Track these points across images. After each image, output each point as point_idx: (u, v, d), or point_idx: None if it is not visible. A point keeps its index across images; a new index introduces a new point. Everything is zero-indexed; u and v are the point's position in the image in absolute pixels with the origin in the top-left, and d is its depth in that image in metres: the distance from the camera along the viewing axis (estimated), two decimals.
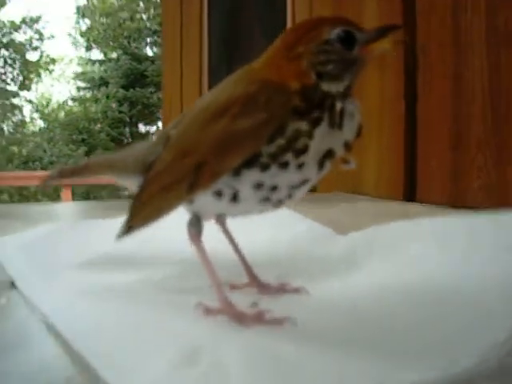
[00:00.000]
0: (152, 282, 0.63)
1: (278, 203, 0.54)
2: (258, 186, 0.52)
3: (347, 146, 0.53)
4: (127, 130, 13.95)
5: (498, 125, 1.32)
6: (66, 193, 6.39)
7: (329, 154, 0.52)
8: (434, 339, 0.45)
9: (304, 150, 0.50)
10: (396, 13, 1.63)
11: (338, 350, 0.44)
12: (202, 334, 0.48)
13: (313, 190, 0.57)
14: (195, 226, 0.56)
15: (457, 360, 0.40)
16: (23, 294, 0.62)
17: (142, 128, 14.34)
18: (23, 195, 12.39)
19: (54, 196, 9.78)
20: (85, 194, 11.79)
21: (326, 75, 0.52)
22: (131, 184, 0.60)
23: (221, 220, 0.62)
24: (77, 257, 0.73)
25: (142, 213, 0.55)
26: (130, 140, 13.72)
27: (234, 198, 0.53)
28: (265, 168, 0.50)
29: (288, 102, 0.50)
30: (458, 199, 1.42)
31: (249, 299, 0.57)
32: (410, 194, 1.60)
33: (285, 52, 0.52)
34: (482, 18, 1.37)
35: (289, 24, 2.33)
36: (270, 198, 0.53)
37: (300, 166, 0.51)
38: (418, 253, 0.64)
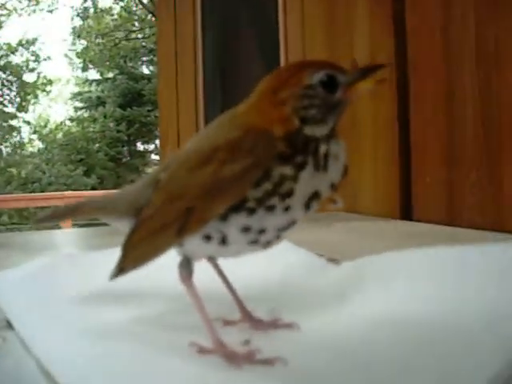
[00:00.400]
0: (148, 319, 0.63)
1: (267, 244, 0.55)
2: (246, 229, 0.52)
3: (333, 187, 0.53)
4: (125, 148, 14.00)
5: (491, 142, 1.33)
6: None
7: (315, 196, 0.52)
8: (423, 377, 0.45)
9: (290, 194, 0.51)
10: (387, 32, 1.65)
11: None
12: (194, 375, 0.48)
13: None
14: (186, 267, 0.57)
15: None
16: (19, 334, 0.62)
17: (140, 146, 14.39)
18: (23, 216, 12.40)
19: None
20: None
21: (310, 120, 0.52)
22: (122, 226, 0.61)
23: (212, 258, 0.62)
24: (71, 293, 0.73)
25: (132, 255, 0.56)
26: (129, 159, 13.75)
27: (223, 241, 0.53)
28: (251, 212, 0.51)
29: (273, 148, 0.50)
30: (454, 216, 1.42)
31: (241, 335, 0.58)
32: (406, 213, 1.60)
33: (268, 97, 0.53)
34: (471, 35, 1.38)
35: (281, 48, 2.34)
36: (259, 240, 0.54)
37: (287, 209, 0.51)
38: (409, 287, 0.65)
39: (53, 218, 0.69)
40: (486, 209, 1.33)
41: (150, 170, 13.99)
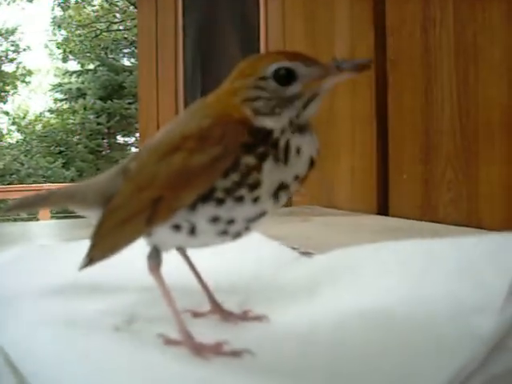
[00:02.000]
0: (116, 310, 0.63)
1: (237, 235, 0.55)
2: (215, 219, 0.52)
3: (298, 180, 0.52)
4: (105, 141, 13.89)
5: (467, 139, 1.34)
6: None
7: (282, 187, 0.52)
8: (388, 368, 0.45)
9: (257, 185, 0.50)
10: (367, 28, 1.65)
11: (295, 381, 0.44)
12: (161, 367, 0.48)
13: (287, 203, 0.57)
14: (154, 258, 0.56)
15: None
16: None
17: (120, 139, 14.29)
18: (0, 208, 12.28)
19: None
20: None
21: (259, 111, 0.51)
22: (92, 216, 0.60)
23: (181, 249, 0.62)
24: (40, 284, 0.72)
25: (101, 245, 0.55)
26: (109, 151, 13.66)
27: (192, 231, 0.53)
28: (220, 202, 0.51)
29: (240, 137, 0.50)
30: (430, 212, 1.43)
31: (210, 327, 0.57)
32: (383, 208, 1.61)
33: (228, 86, 0.53)
34: (450, 34, 1.39)
35: (262, 34, 2.34)
36: (228, 231, 0.53)
37: (255, 200, 0.51)
38: (378, 279, 0.65)
39: (22, 208, 0.68)
40: (462, 205, 1.34)
41: None
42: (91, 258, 0.55)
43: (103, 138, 13.82)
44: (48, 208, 0.63)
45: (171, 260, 0.58)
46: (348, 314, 0.57)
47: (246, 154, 0.50)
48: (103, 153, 13.74)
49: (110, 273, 0.65)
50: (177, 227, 0.53)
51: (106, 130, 13.55)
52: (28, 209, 0.68)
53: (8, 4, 15.23)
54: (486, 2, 1.29)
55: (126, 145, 14.39)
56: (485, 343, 0.45)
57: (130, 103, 13.12)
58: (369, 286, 0.64)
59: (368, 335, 0.52)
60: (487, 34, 1.29)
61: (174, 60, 3.17)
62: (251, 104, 0.51)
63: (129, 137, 14.26)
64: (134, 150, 13.79)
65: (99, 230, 0.56)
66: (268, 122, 0.51)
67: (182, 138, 0.52)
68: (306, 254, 0.87)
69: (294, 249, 0.88)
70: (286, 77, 0.51)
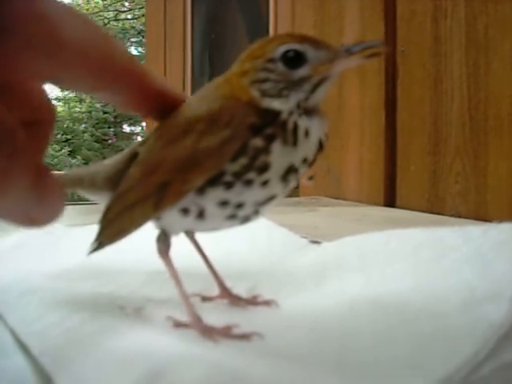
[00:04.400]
0: (123, 293, 0.63)
1: (245, 220, 0.54)
2: (223, 203, 0.51)
3: (307, 162, 0.52)
4: (111, 130, 13.89)
5: (476, 131, 1.33)
6: None
7: (291, 170, 0.52)
8: (398, 355, 0.45)
9: (265, 168, 0.50)
10: (377, 18, 1.64)
11: (303, 366, 0.44)
12: (170, 349, 0.48)
13: (294, 194, 0.57)
14: (163, 241, 0.56)
15: (422, 378, 0.40)
16: None
17: (126, 128, 14.29)
18: None
19: None
20: (70, 194, 11.72)
21: (266, 93, 0.51)
22: (101, 200, 0.60)
23: (190, 233, 0.62)
24: (47, 268, 0.73)
25: (110, 230, 0.55)
26: (115, 140, 13.67)
27: (200, 215, 0.53)
28: (229, 186, 0.50)
29: (248, 118, 0.50)
30: (437, 204, 1.43)
31: (219, 311, 0.58)
32: (390, 200, 1.61)
33: (238, 67, 0.53)
34: (461, 25, 1.38)
35: (271, 24, 2.33)
36: (237, 215, 0.53)
37: (264, 183, 0.51)
38: (387, 267, 0.65)
39: None
40: (470, 197, 1.34)
41: None
42: (100, 242, 0.55)
43: (109, 127, 13.82)
44: None
45: (180, 244, 0.59)
46: (357, 301, 0.57)
47: (254, 135, 0.49)
48: (109, 142, 13.75)
49: (117, 256, 0.65)
50: (185, 211, 0.53)
51: (112, 119, 13.54)
52: None
53: None
54: None
55: (132, 134, 14.38)
56: (496, 331, 0.45)
57: None
58: (378, 274, 0.64)
59: (378, 322, 0.52)
60: (499, 26, 1.28)
61: (183, 49, 3.17)
62: (259, 85, 0.51)
63: (135, 126, 14.25)
64: (140, 139, 13.81)
65: (108, 214, 0.55)
66: (275, 104, 0.51)
67: (191, 121, 0.51)
68: (314, 242, 0.87)
69: (302, 237, 0.88)
70: (294, 59, 0.51)
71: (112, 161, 0.61)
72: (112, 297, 0.62)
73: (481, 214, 1.29)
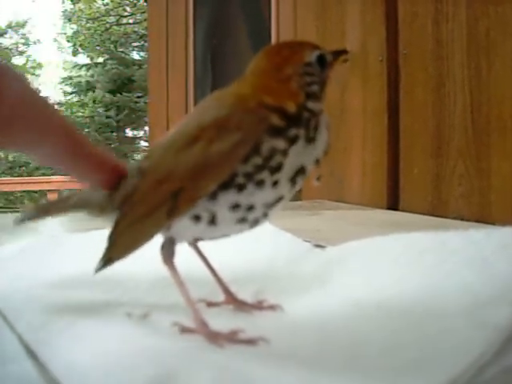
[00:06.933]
0: (129, 299, 0.63)
1: (254, 223, 0.55)
2: (235, 206, 0.52)
3: (317, 162, 0.54)
4: (114, 134, 13.91)
5: (479, 133, 1.33)
6: (52, 196, 6.40)
7: (301, 171, 0.53)
8: (403, 359, 0.45)
9: (278, 168, 0.51)
10: (378, 21, 1.64)
11: (309, 370, 0.44)
12: (177, 354, 0.48)
13: (297, 197, 0.58)
14: (168, 249, 0.57)
15: (426, 381, 0.41)
16: (2, 312, 0.62)
17: (129, 133, 14.31)
18: (9, 200, 12.33)
19: (41, 200, 9.75)
20: None
21: (311, 95, 0.54)
22: (106, 219, 0.60)
23: (197, 240, 0.62)
24: (52, 274, 0.73)
25: (121, 243, 0.55)
26: (118, 145, 13.68)
27: (212, 220, 0.53)
28: (241, 188, 0.51)
29: (263, 120, 0.51)
30: (440, 207, 1.43)
31: (225, 317, 0.58)
32: (393, 202, 1.61)
33: (273, 74, 0.54)
34: (463, 27, 1.38)
35: (273, 28, 2.34)
36: (247, 218, 0.53)
37: (275, 184, 0.52)
38: (391, 271, 0.65)
39: (35, 217, 0.68)
40: (473, 199, 1.34)
41: (138, 157, 13.93)
42: (110, 258, 0.55)
43: (112, 132, 13.83)
44: (62, 215, 0.65)
45: (184, 250, 0.59)
46: (362, 305, 0.57)
47: (274, 137, 0.51)
48: (112, 146, 13.76)
49: (122, 262, 0.65)
50: (197, 218, 0.53)
51: (115, 124, 13.56)
52: (42, 217, 0.68)
53: None
54: None
55: (135, 138, 14.41)
56: (499, 335, 0.45)
57: (139, 97, 13.13)
58: (382, 277, 0.64)
59: (383, 326, 0.52)
60: (500, 28, 1.29)
61: (184, 53, 3.17)
62: (307, 88, 0.54)
63: (138, 130, 14.26)
64: (142, 143, 13.82)
65: (117, 229, 0.56)
66: (315, 106, 0.54)
67: (200, 128, 0.52)
68: (318, 246, 0.87)
69: (305, 241, 0.88)
70: (324, 62, 0.55)
71: None
72: (118, 303, 0.62)
73: (484, 216, 1.29)
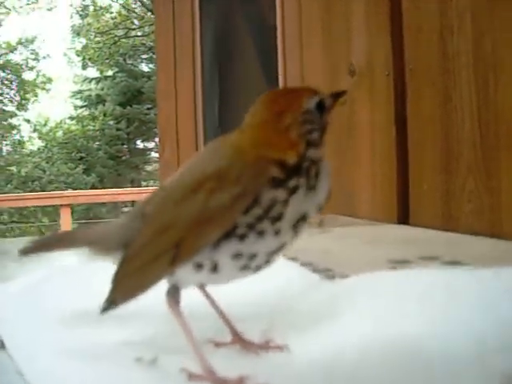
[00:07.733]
0: (136, 341, 0.63)
1: (257, 269, 0.55)
2: (237, 255, 0.52)
3: (320, 208, 0.54)
4: (125, 146, 13.98)
5: (488, 149, 1.32)
6: (65, 211, 6.43)
7: (303, 218, 0.53)
8: None
9: (279, 217, 0.51)
10: (384, 37, 1.64)
11: None
12: None
13: None
14: (174, 295, 0.57)
15: None
16: (10, 354, 0.62)
17: (139, 144, 14.38)
18: (23, 215, 12.40)
19: (54, 214, 9.80)
20: (85, 211, 11.81)
21: (312, 143, 0.53)
22: (109, 259, 0.60)
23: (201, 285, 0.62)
24: (62, 310, 0.73)
25: (124, 287, 0.56)
26: (128, 157, 13.75)
27: (214, 268, 0.53)
28: (242, 238, 0.51)
29: (263, 173, 0.51)
30: (450, 222, 1.42)
31: (232, 358, 0.58)
32: (403, 217, 1.60)
33: (271, 125, 0.53)
34: (468, 41, 1.37)
35: (279, 47, 2.33)
36: (249, 266, 0.54)
37: (277, 233, 0.52)
38: (399, 309, 0.64)
39: (38, 250, 0.68)
40: (483, 215, 1.33)
41: (149, 168, 13.99)
42: (113, 301, 0.55)
43: (123, 144, 13.91)
44: (64, 250, 0.65)
45: (190, 290, 0.59)
46: (369, 345, 0.56)
47: (274, 188, 0.51)
48: (123, 158, 13.83)
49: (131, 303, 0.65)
50: (199, 266, 0.53)
51: (125, 136, 13.63)
52: (44, 251, 0.68)
53: (27, 13, 15.43)
54: (505, 10, 1.28)
55: (146, 150, 14.48)
56: (508, 381, 0.45)
57: (148, 108, 13.19)
58: (389, 316, 0.63)
59: (389, 367, 0.52)
60: (506, 42, 1.28)
61: (192, 64, 3.18)
62: (308, 137, 0.53)
63: (148, 142, 14.33)
64: (153, 154, 13.86)
65: (120, 273, 0.56)
66: (316, 153, 0.54)
67: (202, 178, 0.52)
68: (326, 271, 0.87)
69: (314, 270, 0.88)
70: (322, 108, 0.55)
71: (120, 221, 0.62)
72: (126, 346, 0.62)
73: (495, 233, 1.28)
